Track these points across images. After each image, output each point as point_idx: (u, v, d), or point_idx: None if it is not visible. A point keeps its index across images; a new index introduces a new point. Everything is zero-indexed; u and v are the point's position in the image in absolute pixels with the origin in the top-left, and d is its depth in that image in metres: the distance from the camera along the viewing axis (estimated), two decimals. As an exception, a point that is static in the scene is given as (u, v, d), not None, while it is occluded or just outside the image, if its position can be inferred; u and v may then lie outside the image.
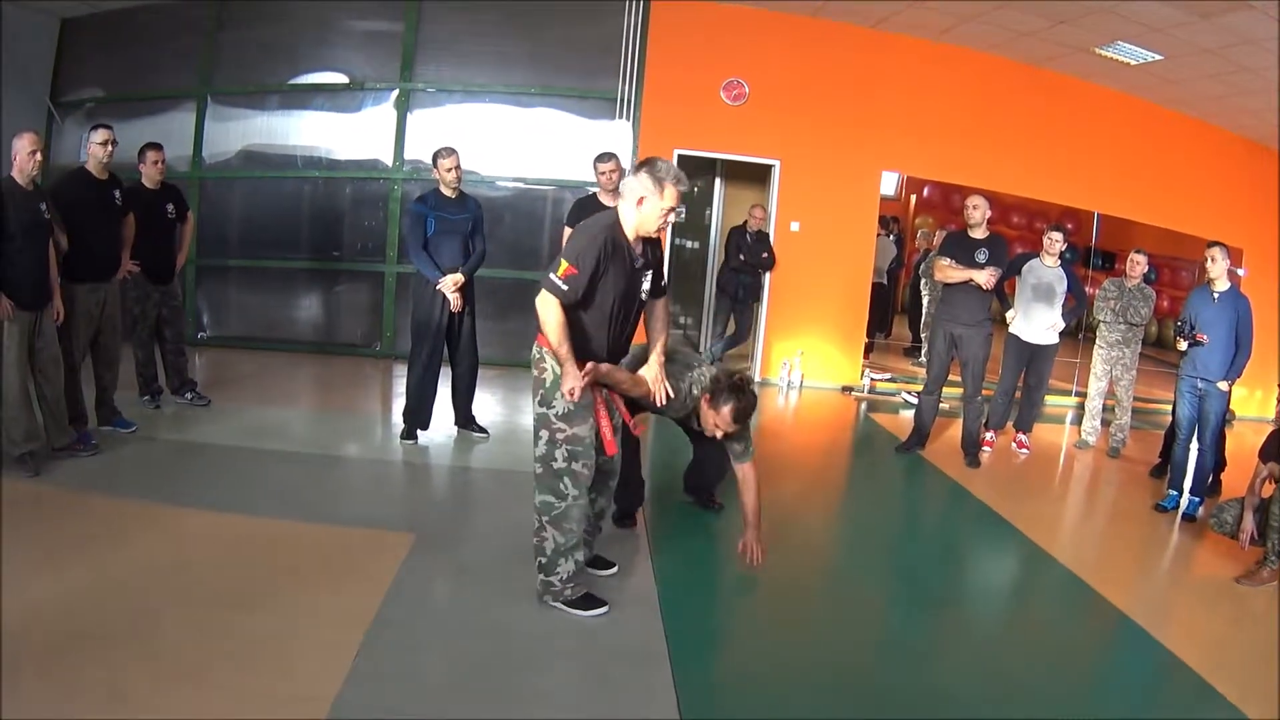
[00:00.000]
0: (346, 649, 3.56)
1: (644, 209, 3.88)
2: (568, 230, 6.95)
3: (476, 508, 5.68)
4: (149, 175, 6.79)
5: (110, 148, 6.04)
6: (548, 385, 3.91)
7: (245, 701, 3.16)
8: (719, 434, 4.57)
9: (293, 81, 9.89)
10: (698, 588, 4.55)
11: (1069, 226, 10.88)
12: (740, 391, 4.51)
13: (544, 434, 3.96)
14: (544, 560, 4.04)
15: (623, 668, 3.69)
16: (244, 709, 3.12)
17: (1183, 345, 6.73)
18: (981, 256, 7.09)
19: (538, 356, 3.95)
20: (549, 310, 3.76)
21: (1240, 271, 10.88)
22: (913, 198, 12.39)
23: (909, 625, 4.61)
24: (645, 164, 3.96)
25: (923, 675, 3.97)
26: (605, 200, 6.89)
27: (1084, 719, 3.72)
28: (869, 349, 11.08)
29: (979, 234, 7.20)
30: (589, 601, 4.11)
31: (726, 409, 4.48)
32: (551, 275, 3.75)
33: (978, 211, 7.18)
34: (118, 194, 6.27)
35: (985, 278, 7.01)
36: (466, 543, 4.91)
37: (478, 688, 3.43)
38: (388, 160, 9.74)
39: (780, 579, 4.69)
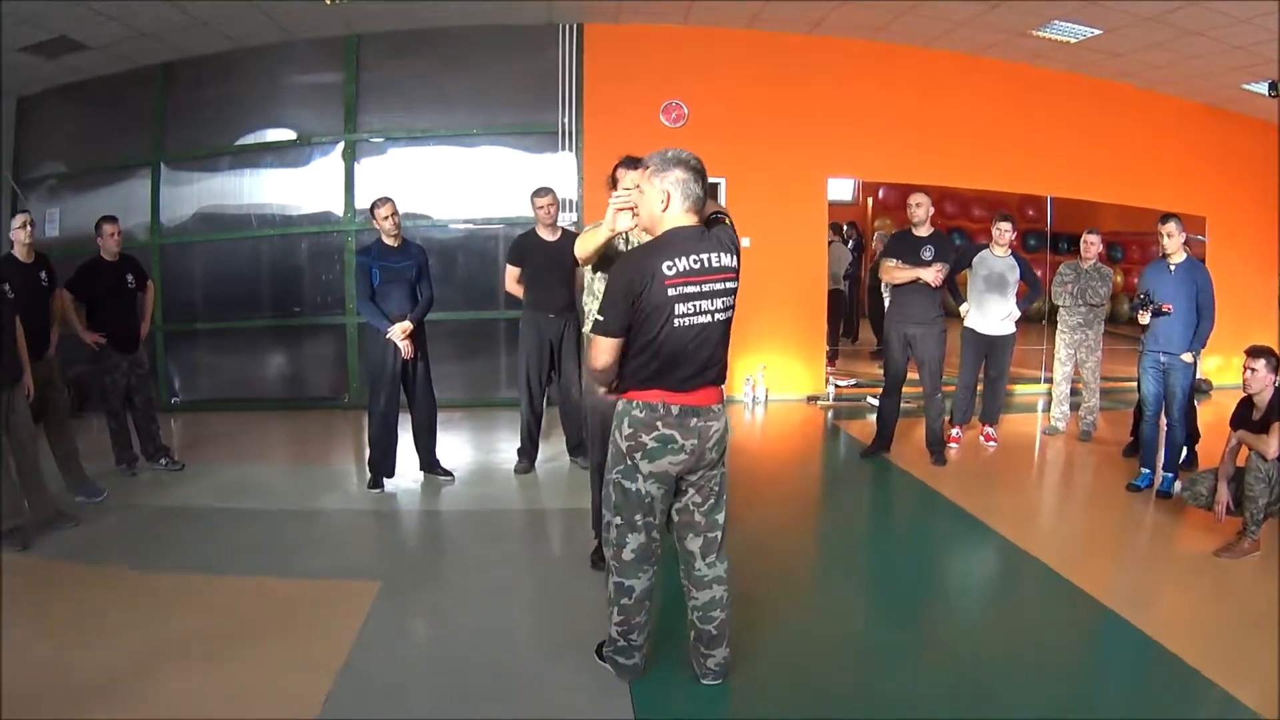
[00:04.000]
0: (315, 697, 3.62)
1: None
2: (510, 269, 6.97)
3: (443, 550, 5.70)
4: (106, 248, 6.92)
5: (29, 229, 6.24)
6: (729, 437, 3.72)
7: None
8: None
9: (241, 141, 9.92)
10: (660, 612, 4.51)
11: (1031, 213, 10.91)
12: None
13: (727, 493, 3.77)
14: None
15: (584, 699, 3.71)
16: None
17: (1145, 319, 6.66)
18: (927, 254, 7.10)
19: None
20: None
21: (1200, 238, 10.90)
22: (870, 201, 12.39)
23: (882, 632, 4.58)
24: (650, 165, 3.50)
25: (899, 681, 3.96)
26: (544, 234, 6.91)
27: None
28: (834, 356, 11.05)
29: (923, 231, 7.22)
30: None
31: None
32: None
33: (920, 209, 7.20)
34: (44, 274, 6.39)
35: (932, 275, 7.02)
36: (433, 585, 4.95)
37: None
38: (339, 212, 9.77)
39: (750, 591, 4.65)
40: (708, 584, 3.66)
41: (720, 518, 3.67)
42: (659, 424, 3.45)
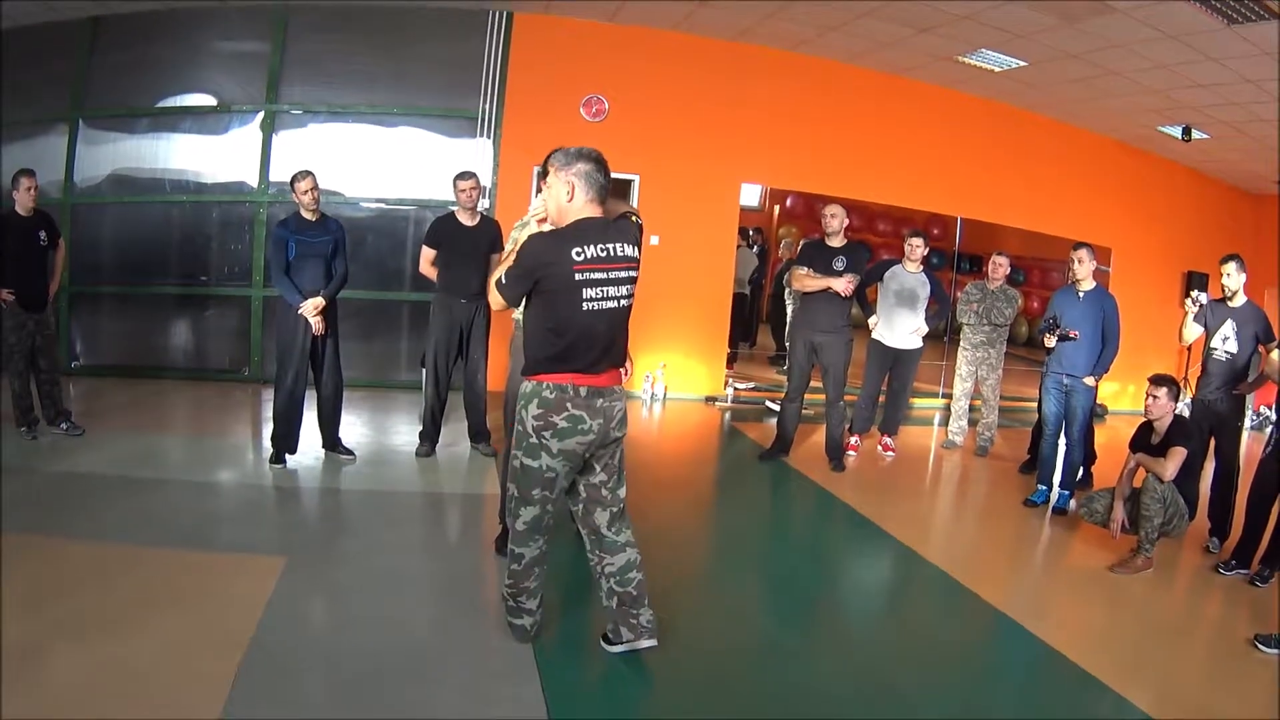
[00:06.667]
0: (224, 674, 3.53)
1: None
2: (426, 250, 6.93)
3: (348, 530, 5.59)
4: (22, 202, 6.70)
5: None
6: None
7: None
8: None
9: (161, 104, 9.65)
10: (568, 600, 4.54)
11: (935, 231, 11.11)
12: None
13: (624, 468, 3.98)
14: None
15: (495, 681, 3.71)
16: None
17: (1050, 342, 6.88)
18: (839, 264, 7.18)
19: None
20: None
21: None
22: (776, 208, 12.49)
23: (779, 629, 4.64)
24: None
25: (796, 677, 4.03)
26: (463, 218, 6.87)
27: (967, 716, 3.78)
28: (733, 359, 11.14)
29: (836, 242, 7.30)
30: None
31: None
32: None
33: (835, 220, 7.27)
34: None
35: (843, 285, 7.09)
36: (339, 564, 4.88)
37: (356, 705, 3.44)
38: (253, 183, 9.56)
39: (652, 587, 4.66)
40: (620, 548, 3.88)
41: (622, 492, 3.91)
42: (569, 405, 3.63)
